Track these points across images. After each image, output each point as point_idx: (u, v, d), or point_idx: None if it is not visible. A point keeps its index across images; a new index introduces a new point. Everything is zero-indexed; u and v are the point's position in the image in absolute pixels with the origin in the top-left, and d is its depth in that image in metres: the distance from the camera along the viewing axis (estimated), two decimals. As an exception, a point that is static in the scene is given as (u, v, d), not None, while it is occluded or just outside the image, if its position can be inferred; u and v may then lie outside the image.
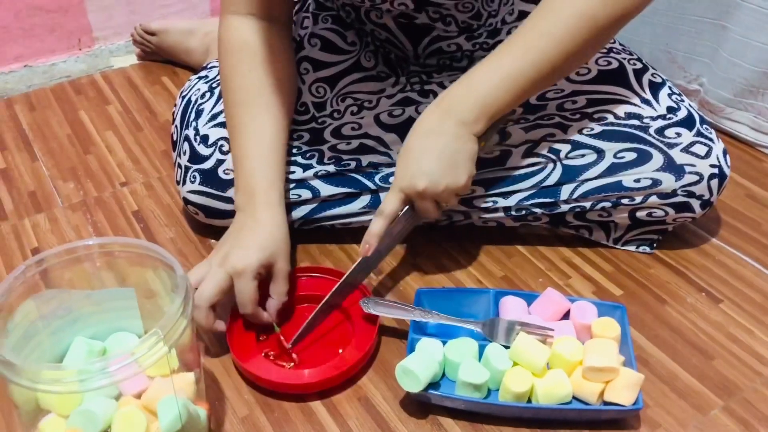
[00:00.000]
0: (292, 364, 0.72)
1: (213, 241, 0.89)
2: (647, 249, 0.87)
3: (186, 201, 0.86)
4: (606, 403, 0.66)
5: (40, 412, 0.60)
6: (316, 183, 0.85)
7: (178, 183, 0.87)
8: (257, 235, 0.74)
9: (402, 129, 0.84)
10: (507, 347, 0.69)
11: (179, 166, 0.87)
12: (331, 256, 0.87)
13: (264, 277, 0.74)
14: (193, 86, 0.93)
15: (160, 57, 1.27)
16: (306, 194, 0.84)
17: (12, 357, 0.53)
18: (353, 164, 0.85)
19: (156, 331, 0.56)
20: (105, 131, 1.10)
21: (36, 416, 0.60)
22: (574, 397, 0.67)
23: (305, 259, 0.87)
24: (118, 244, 0.64)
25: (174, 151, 0.90)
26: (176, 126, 0.91)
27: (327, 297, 0.75)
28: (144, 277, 0.65)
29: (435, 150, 0.72)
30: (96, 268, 0.65)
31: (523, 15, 0.83)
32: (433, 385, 0.69)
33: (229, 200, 0.84)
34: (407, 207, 0.75)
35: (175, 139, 0.91)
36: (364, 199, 0.85)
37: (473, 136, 0.73)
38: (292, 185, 0.84)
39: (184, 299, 0.58)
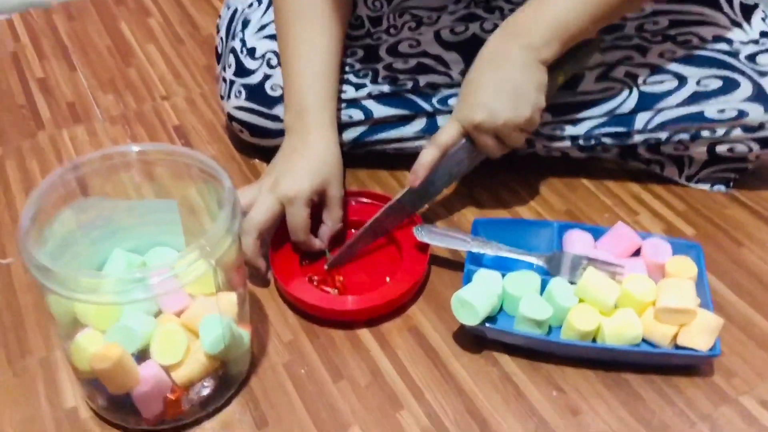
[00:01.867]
0: (336, 290, 0.68)
1: (257, 160, 0.84)
2: (722, 188, 0.81)
3: (230, 117, 0.82)
4: (679, 348, 0.61)
5: (77, 325, 0.57)
6: (369, 103, 0.79)
7: (222, 98, 0.82)
8: (309, 159, 0.69)
9: (464, 47, 0.77)
10: (572, 283, 0.64)
11: (224, 80, 0.82)
12: (381, 182, 0.82)
13: (316, 203, 0.70)
14: (240, -5, 0.87)
15: (204, -30, 1.21)
16: (358, 115, 0.79)
17: (49, 263, 0.49)
18: (410, 84, 0.78)
19: (199, 244, 0.52)
20: (146, 44, 1.04)
21: (73, 329, 0.57)
22: (643, 340, 0.62)
23: (353, 183, 0.82)
24: (161, 151, 0.60)
25: (218, 64, 0.85)
26: (221, 37, 0.85)
27: (370, 221, 0.70)
28: (187, 191, 0.61)
29: (495, 79, 0.66)
30: (135, 178, 0.61)
31: None
32: (490, 319, 0.64)
33: (276, 118, 0.79)
34: (465, 140, 0.69)
35: (219, 51, 0.85)
36: (420, 123, 0.79)
37: (541, 65, 0.66)
38: (342, 105, 0.79)
39: (232, 213, 0.54)
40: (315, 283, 0.69)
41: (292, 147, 0.71)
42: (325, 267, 0.70)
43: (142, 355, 0.56)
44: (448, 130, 0.69)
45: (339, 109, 0.78)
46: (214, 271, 0.53)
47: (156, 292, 0.51)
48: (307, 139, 0.71)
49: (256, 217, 0.66)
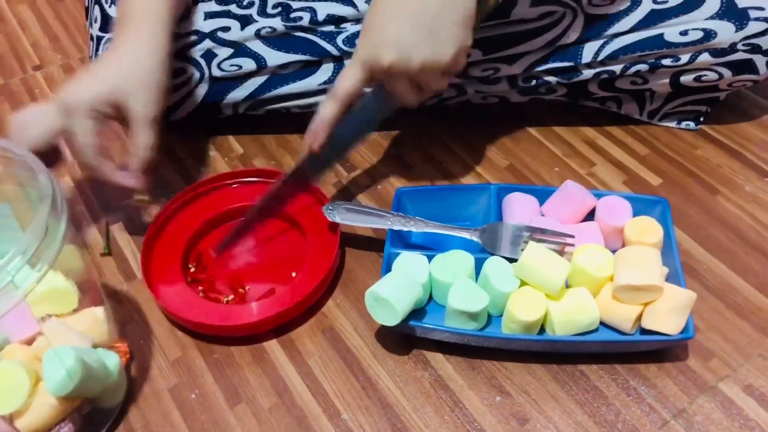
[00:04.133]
0: (231, 297, 0.56)
1: (143, 134, 0.71)
2: (692, 124, 0.69)
3: (101, 84, 0.68)
4: (644, 332, 0.50)
5: None
6: (259, 47, 0.65)
7: (90, 59, 0.69)
8: (106, 63, 0.57)
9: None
10: (512, 261, 0.53)
11: (91, 38, 0.68)
12: (289, 148, 0.69)
13: (117, 118, 0.57)
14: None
15: None
16: (248, 64, 0.65)
17: None
18: (306, 18, 0.64)
19: (20, 248, 0.40)
20: (17, 4, 0.89)
21: None
22: (601, 324, 0.51)
23: (258, 153, 0.69)
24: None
25: (87, 20, 0.71)
26: (88, -12, 0.71)
27: (263, 197, 0.58)
28: (14, 192, 0.48)
29: (408, 10, 0.52)
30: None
31: None
32: (418, 312, 0.53)
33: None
34: (374, 87, 0.56)
35: (87, 4, 0.71)
36: (327, 70, 0.66)
37: None
38: (227, 54, 0.65)
39: (52, 209, 0.41)
40: (201, 294, 0.56)
41: (103, 54, 0.59)
42: (213, 254, 0.58)
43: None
44: (349, 76, 0.55)
45: (224, 60, 0.64)
46: (37, 280, 0.40)
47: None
48: (117, 42, 0.58)
49: (31, 130, 0.54)
